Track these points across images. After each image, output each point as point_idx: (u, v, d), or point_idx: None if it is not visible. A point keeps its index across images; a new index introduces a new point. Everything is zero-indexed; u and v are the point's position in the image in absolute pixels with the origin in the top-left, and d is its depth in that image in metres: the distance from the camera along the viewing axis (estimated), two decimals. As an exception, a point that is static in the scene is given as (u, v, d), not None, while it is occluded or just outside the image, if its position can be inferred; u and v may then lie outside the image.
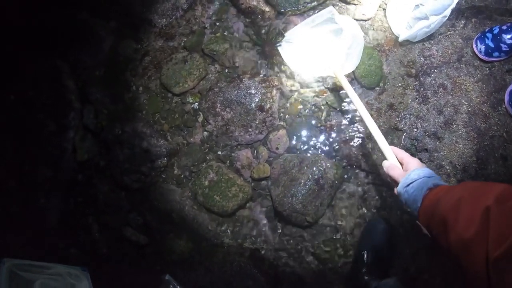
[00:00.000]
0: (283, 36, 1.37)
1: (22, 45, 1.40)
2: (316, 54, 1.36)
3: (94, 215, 1.39)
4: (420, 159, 1.28)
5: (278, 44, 1.37)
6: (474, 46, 1.31)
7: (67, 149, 1.45)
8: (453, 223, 0.65)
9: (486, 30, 1.29)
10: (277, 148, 1.33)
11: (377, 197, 1.33)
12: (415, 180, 0.82)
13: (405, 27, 1.35)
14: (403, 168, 0.91)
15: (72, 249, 1.33)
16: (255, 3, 1.41)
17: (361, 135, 1.34)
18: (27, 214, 1.31)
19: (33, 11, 1.41)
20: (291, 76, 1.39)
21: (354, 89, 1.36)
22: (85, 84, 1.48)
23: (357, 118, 1.35)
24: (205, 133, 1.38)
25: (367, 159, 1.31)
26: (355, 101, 1.10)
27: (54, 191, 1.39)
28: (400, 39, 1.33)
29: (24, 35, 1.40)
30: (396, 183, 0.90)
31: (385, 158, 0.98)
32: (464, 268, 0.62)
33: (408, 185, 0.82)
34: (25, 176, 1.35)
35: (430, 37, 1.34)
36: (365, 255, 1.22)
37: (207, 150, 1.37)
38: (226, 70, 1.42)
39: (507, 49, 1.24)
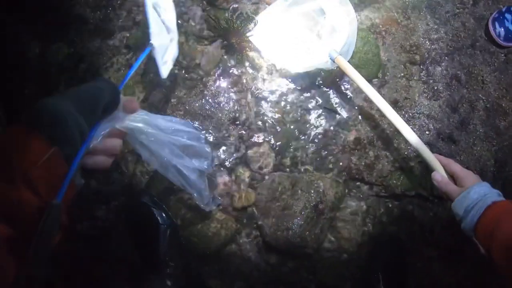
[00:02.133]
0: (255, 21, 1.07)
1: None
2: (301, 40, 1.08)
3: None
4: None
5: (249, 33, 1.07)
6: (491, 28, 1.08)
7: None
8: None
9: (504, 9, 1.07)
10: (260, 168, 1.07)
11: (382, 211, 1.13)
12: (476, 200, 0.76)
13: None
14: (457, 183, 0.83)
15: None
16: (213, -20, 1.08)
17: (361, 140, 1.10)
18: None
19: None
20: (269, 72, 1.10)
21: (348, 82, 1.11)
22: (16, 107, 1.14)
23: (356, 117, 1.11)
24: (169, 158, 1.10)
25: (370, 169, 1.09)
26: (368, 92, 0.91)
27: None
28: None
29: None
30: (449, 198, 0.83)
31: (432, 169, 0.86)
32: None
33: (468, 205, 0.76)
34: None
35: (434, 16, 1.08)
36: (380, 277, 1.05)
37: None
38: (184, 72, 1.11)
39: None
